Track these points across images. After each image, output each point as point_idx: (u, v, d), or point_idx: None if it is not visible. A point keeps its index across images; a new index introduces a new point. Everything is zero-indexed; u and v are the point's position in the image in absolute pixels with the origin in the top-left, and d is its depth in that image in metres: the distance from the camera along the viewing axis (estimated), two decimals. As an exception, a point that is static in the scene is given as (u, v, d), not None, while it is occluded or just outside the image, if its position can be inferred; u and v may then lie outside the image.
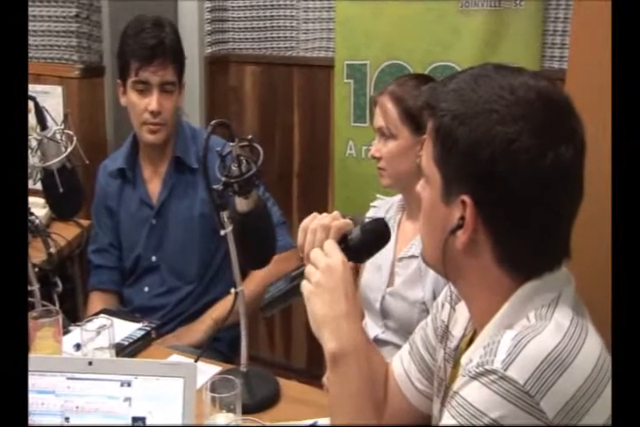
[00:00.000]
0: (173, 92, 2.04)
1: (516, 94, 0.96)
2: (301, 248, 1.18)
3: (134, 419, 1.25)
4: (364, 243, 1.16)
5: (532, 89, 0.97)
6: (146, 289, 2.13)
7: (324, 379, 1.58)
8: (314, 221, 1.18)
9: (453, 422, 0.92)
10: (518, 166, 0.94)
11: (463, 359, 1.05)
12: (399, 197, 1.85)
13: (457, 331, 1.16)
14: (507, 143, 0.93)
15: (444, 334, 1.20)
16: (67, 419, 1.25)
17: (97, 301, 2.14)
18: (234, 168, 1.43)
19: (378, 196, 1.95)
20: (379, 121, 1.74)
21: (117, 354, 1.58)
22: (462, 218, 0.98)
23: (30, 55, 2.70)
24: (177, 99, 2.06)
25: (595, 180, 1.07)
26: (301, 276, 1.16)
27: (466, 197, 0.97)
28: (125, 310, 2.13)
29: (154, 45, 1.97)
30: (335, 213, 1.20)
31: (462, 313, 1.16)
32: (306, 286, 1.13)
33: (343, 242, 1.16)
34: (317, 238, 1.16)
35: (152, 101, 1.99)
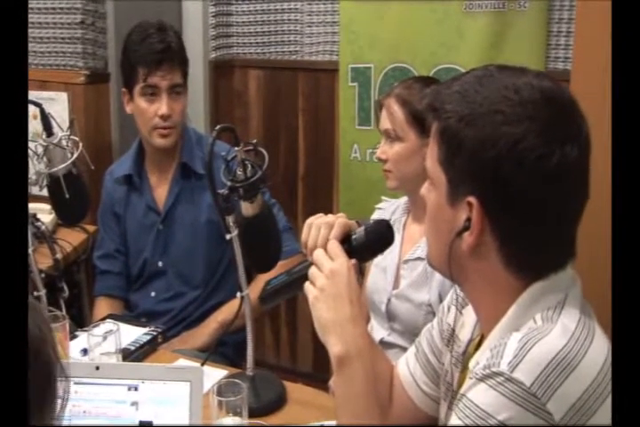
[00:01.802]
0: (181, 95, 2.05)
1: (520, 94, 0.96)
2: (305, 244, 1.19)
3: (141, 423, 1.25)
4: (367, 243, 1.17)
5: (536, 89, 0.96)
6: (152, 294, 2.14)
7: (331, 382, 1.58)
8: (319, 219, 1.19)
9: (460, 424, 0.92)
10: (524, 166, 0.93)
11: (471, 363, 1.04)
12: (405, 199, 1.85)
13: (464, 335, 1.16)
14: (512, 144, 0.93)
15: (451, 337, 1.20)
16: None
17: (103, 306, 2.14)
18: (239, 173, 1.43)
19: (383, 198, 1.95)
20: (385, 123, 1.75)
21: (124, 359, 1.58)
22: (469, 219, 0.98)
23: (35, 62, 2.72)
24: (184, 102, 2.08)
25: (600, 180, 1.07)
26: (303, 270, 1.18)
27: (472, 199, 0.97)
28: (131, 314, 2.13)
29: (161, 50, 1.98)
30: (341, 213, 1.21)
31: (469, 317, 1.15)
32: (310, 291, 1.14)
33: (347, 242, 1.16)
34: (321, 234, 1.16)
35: (162, 105, 2.00)
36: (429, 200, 1.06)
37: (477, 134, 0.95)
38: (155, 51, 1.98)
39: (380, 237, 1.18)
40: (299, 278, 1.19)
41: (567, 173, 0.95)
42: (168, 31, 2.04)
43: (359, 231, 1.18)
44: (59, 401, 0.77)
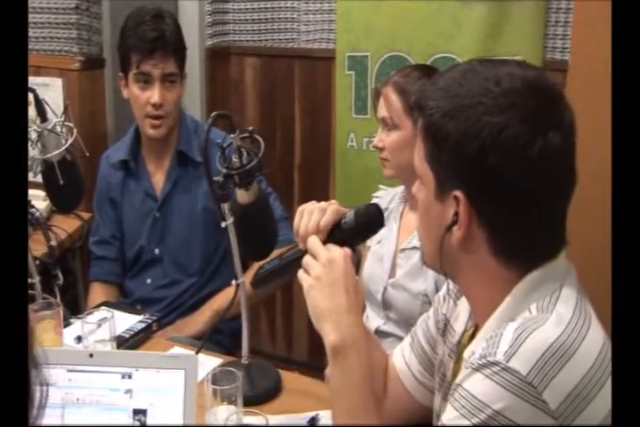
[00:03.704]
0: (175, 84, 2.03)
1: (501, 85, 0.96)
2: (297, 230, 1.18)
3: (135, 411, 1.25)
4: (357, 226, 1.16)
5: (517, 78, 0.97)
6: (148, 281, 2.13)
7: (327, 371, 1.58)
8: (312, 205, 1.19)
9: (456, 414, 0.92)
10: (508, 156, 0.94)
11: (466, 353, 1.04)
12: (402, 188, 1.84)
13: (458, 326, 1.16)
14: (495, 133, 0.93)
15: (446, 328, 1.20)
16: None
17: (98, 291, 2.14)
18: (234, 160, 1.42)
19: (381, 187, 1.95)
20: (382, 112, 1.74)
21: (118, 346, 1.58)
22: (456, 214, 0.98)
23: (30, 47, 2.69)
24: (179, 90, 2.06)
25: (598, 170, 1.07)
26: (294, 254, 1.20)
27: (458, 193, 0.97)
28: (126, 301, 2.13)
29: (154, 38, 1.96)
30: (333, 200, 1.21)
31: (464, 308, 1.15)
32: (305, 279, 1.13)
33: (337, 226, 1.17)
34: (313, 219, 1.16)
35: (154, 94, 1.98)
36: (420, 198, 1.07)
37: (460, 127, 0.95)
38: (146, 39, 1.95)
39: (370, 219, 1.18)
40: (290, 263, 1.21)
41: (552, 161, 0.95)
42: (165, 18, 2.01)
43: (349, 215, 1.18)
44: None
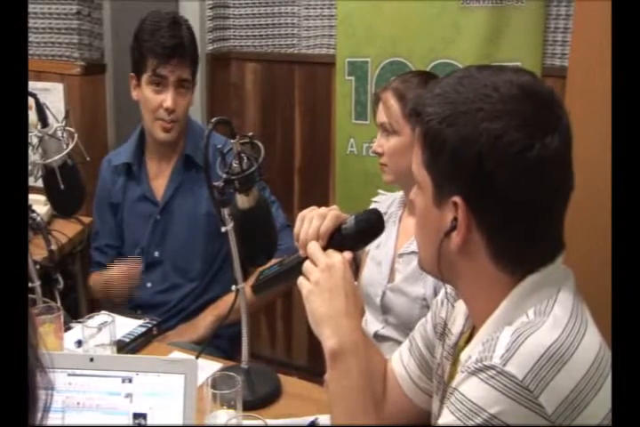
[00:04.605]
0: (188, 90, 2.04)
1: (499, 91, 0.96)
2: (297, 236, 1.19)
3: (135, 415, 1.25)
4: (357, 230, 1.17)
5: (514, 85, 0.97)
6: (148, 285, 2.13)
7: (326, 376, 1.59)
8: (312, 211, 1.19)
9: (452, 417, 0.92)
10: (506, 161, 0.94)
11: (462, 356, 1.05)
12: (401, 192, 1.85)
13: (455, 328, 1.16)
14: (493, 139, 0.94)
15: (444, 331, 1.20)
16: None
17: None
18: (235, 165, 1.43)
19: (380, 191, 1.95)
20: (381, 117, 1.75)
21: (119, 351, 1.58)
22: (455, 219, 0.99)
23: (31, 52, 2.70)
24: (190, 97, 2.06)
25: (599, 176, 1.07)
26: (294, 260, 1.20)
27: (457, 198, 0.98)
28: (127, 306, 2.13)
29: (173, 46, 1.97)
30: (334, 206, 1.21)
31: (461, 310, 1.16)
32: (304, 285, 1.14)
33: (337, 231, 1.17)
34: (313, 226, 1.17)
35: (168, 98, 1.99)
36: (418, 204, 1.07)
37: (458, 133, 0.96)
38: (165, 45, 1.96)
39: (370, 225, 1.19)
40: (290, 269, 1.21)
41: (549, 165, 0.96)
42: (182, 26, 2.02)
43: (349, 220, 1.19)
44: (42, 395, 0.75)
